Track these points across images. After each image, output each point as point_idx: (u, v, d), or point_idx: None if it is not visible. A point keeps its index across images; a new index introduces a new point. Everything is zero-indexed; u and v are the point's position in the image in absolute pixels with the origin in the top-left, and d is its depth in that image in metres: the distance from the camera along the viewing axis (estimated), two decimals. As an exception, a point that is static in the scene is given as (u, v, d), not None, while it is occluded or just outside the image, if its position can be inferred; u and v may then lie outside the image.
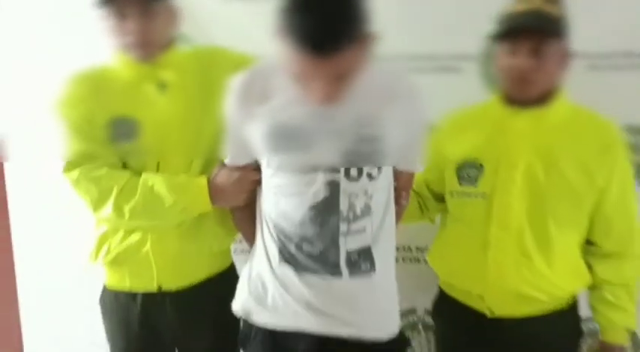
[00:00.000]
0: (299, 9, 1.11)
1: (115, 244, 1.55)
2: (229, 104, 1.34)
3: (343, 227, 1.30)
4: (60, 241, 2.19)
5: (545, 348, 1.54)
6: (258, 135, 1.30)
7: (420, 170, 1.46)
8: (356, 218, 1.30)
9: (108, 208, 1.47)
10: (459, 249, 1.57)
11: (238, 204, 1.48)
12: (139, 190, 1.46)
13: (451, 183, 1.55)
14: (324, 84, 1.17)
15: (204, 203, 1.48)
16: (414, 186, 1.59)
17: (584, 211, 1.48)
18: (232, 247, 1.72)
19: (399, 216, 1.46)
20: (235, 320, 1.54)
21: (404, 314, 1.47)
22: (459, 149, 1.52)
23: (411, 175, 1.47)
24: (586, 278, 1.55)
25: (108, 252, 1.56)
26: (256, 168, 1.39)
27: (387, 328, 1.39)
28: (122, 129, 1.49)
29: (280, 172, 1.32)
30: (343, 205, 1.29)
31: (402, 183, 1.45)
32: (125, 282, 1.59)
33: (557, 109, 1.46)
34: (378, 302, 1.38)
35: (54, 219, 2.18)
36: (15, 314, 2.35)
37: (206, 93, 1.47)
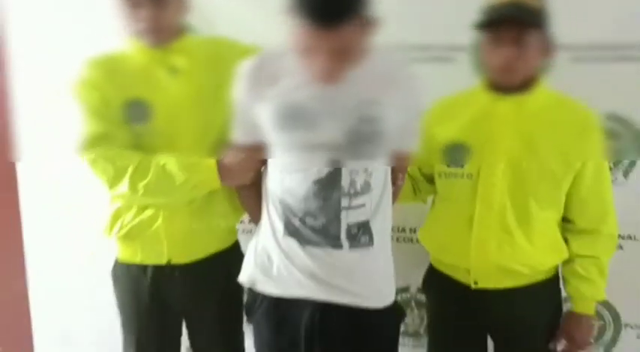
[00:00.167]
0: None
1: (129, 220, 1.60)
2: (239, 86, 1.41)
3: (344, 202, 1.37)
4: (69, 240, 2.24)
5: (527, 318, 1.60)
6: (267, 115, 1.37)
7: (415, 151, 1.50)
8: (356, 194, 1.37)
9: (123, 186, 1.52)
10: (446, 226, 1.63)
11: (245, 182, 1.53)
12: (152, 169, 1.50)
13: (440, 165, 1.60)
14: (327, 59, 1.24)
15: (213, 181, 1.52)
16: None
17: (561, 191, 1.54)
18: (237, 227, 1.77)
19: (395, 196, 1.51)
20: (239, 292, 1.62)
21: (397, 291, 1.52)
22: (446, 133, 1.56)
23: (406, 157, 1.51)
24: (564, 252, 1.60)
25: (121, 227, 1.61)
26: (262, 148, 1.45)
27: (383, 297, 1.46)
28: (136, 112, 1.53)
29: (286, 150, 1.38)
30: (345, 181, 1.36)
31: (398, 165, 1.50)
32: (137, 256, 1.64)
33: (538, 96, 1.51)
34: (376, 274, 1.45)
35: (64, 219, 2.23)
36: (25, 313, 2.39)
37: (215, 80, 1.50)
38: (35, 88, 2.14)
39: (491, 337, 1.66)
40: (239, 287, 1.61)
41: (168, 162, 1.51)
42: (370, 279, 1.44)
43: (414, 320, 2.13)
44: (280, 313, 1.47)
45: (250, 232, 1.60)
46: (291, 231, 1.41)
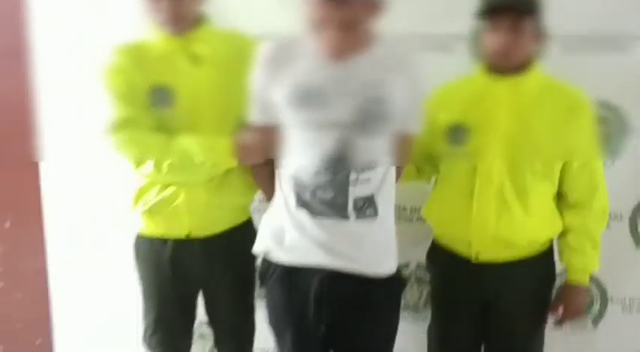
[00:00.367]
0: None
1: (152, 197, 1.65)
2: (256, 70, 1.47)
3: (352, 176, 1.42)
4: (89, 215, 2.27)
5: (523, 289, 1.67)
6: (282, 96, 1.43)
7: (418, 131, 1.54)
8: (363, 169, 1.43)
9: (149, 166, 1.60)
10: (448, 202, 1.68)
11: (259, 161, 1.59)
12: (175, 150, 1.57)
13: (442, 145, 1.65)
14: (337, 31, 1.32)
15: (229, 160, 1.59)
16: (412, 151, 1.70)
17: (555, 166, 1.59)
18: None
19: (398, 174, 1.57)
20: (251, 264, 1.69)
21: (399, 268, 1.62)
22: (448, 115, 1.61)
23: (410, 137, 1.55)
24: (559, 225, 1.66)
25: (145, 203, 1.67)
26: (275, 128, 1.50)
27: (386, 266, 1.51)
28: (160, 97, 1.59)
29: (299, 128, 1.44)
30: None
31: (402, 145, 1.53)
32: (159, 230, 1.69)
33: (532, 78, 1.57)
34: (379, 244, 1.50)
35: (87, 218, 2.26)
36: (44, 289, 2.41)
37: (232, 66, 1.56)
38: (58, 87, 2.18)
39: (490, 307, 1.70)
40: (252, 260, 1.68)
41: (189, 143, 1.58)
42: (374, 249, 1.50)
43: (414, 294, 2.17)
44: (292, 280, 1.52)
45: (261, 212, 1.65)
46: (302, 203, 1.46)
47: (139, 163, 1.62)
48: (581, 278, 1.68)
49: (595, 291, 2.08)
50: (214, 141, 1.59)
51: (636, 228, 2.04)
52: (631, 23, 1.88)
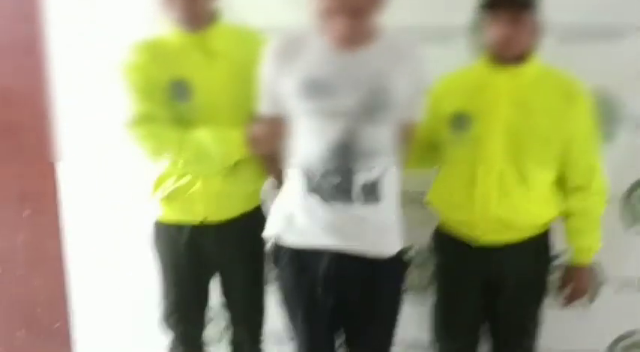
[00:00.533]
0: None
1: (170, 184, 1.68)
2: (266, 62, 1.49)
3: (358, 162, 1.46)
4: (105, 200, 2.28)
5: (523, 268, 1.69)
6: (291, 87, 1.45)
7: (420, 119, 1.57)
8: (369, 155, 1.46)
9: (166, 158, 1.62)
10: (452, 186, 1.70)
11: (269, 151, 1.62)
12: (190, 143, 1.60)
13: (445, 132, 1.67)
14: (346, 19, 1.33)
15: (241, 150, 1.62)
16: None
17: (555, 151, 1.61)
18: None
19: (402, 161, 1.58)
20: (263, 248, 1.70)
21: (402, 250, 1.64)
22: (451, 103, 1.63)
23: (412, 125, 1.58)
24: (556, 207, 1.68)
25: (164, 190, 1.69)
26: (284, 119, 1.52)
27: (390, 247, 1.55)
28: (179, 91, 1.61)
29: (308, 117, 1.46)
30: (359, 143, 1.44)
31: (405, 133, 1.56)
32: (175, 216, 1.72)
33: (531, 67, 1.59)
34: (384, 226, 1.53)
35: (105, 219, 2.28)
36: (61, 273, 2.42)
37: (245, 60, 1.57)
38: (74, 82, 2.18)
39: (492, 287, 1.73)
40: (262, 243, 1.70)
41: (203, 135, 1.60)
42: (380, 231, 1.52)
43: (417, 276, 2.15)
44: (302, 261, 1.56)
45: (269, 198, 1.70)
46: (311, 189, 1.49)
47: (156, 156, 1.65)
48: (586, 258, 1.72)
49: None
50: (226, 133, 1.61)
51: (627, 212, 2.06)
52: (624, 13, 1.88)
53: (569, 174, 1.66)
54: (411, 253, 2.15)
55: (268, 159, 1.69)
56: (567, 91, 1.60)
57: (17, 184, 2.41)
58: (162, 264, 1.80)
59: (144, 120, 1.61)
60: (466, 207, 1.65)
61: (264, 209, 1.80)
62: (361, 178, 1.46)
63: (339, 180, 1.46)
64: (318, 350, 1.67)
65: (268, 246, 1.66)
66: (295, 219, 1.54)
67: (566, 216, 1.71)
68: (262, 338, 1.93)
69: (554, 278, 1.82)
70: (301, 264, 1.56)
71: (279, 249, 1.60)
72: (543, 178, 1.65)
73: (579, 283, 1.76)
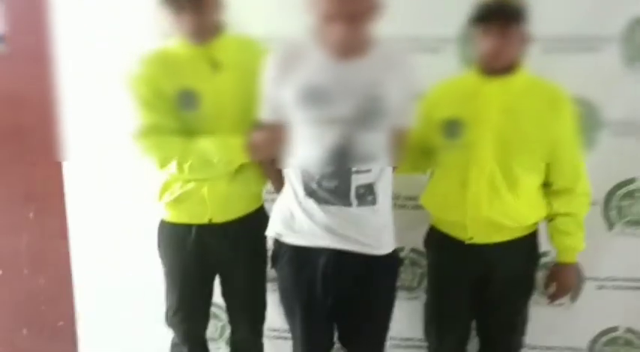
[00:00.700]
0: None
1: (177, 189, 1.70)
2: (267, 72, 1.51)
3: (354, 167, 1.48)
4: (116, 240, 2.27)
5: (512, 267, 1.72)
6: (291, 95, 1.47)
7: (411, 126, 1.59)
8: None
9: (172, 167, 1.64)
10: (445, 189, 1.71)
11: (269, 157, 1.64)
12: (193, 150, 1.62)
13: (438, 138, 1.68)
14: (343, 25, 1.36)
15: (242, 157, 1.64)
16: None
17: (541, 156, 1.64)
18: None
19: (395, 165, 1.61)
20: (264, 247, 1.75)
21: (395, 249, 1.66)
22: (444, 111, 1.65)
23: (404, 131, 1.60)
24: (544, 209, 1.70)
25: (171, 194, 1.71)
26: (284, 126, 1.55)
27: (384, 246, 1.58)
28: (186, 100, 1.62)
29: (306, 124, 1.48)
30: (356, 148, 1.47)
31: (397, 138, 1.58)
32: (183, 217, 1.74)
33: (520, 78, 1.61)
34: (379, 227, 1.56)
35: (109, 219, 2.26)
36: (67, 274, 2.39)
37: (251, 72, 1.57)
38: (80, 85, 2.17)
39: (482, 284, 1.75)
40: (264, 242, 1.74)
41: (206, 144, 1.62)
42: (374, 231, 1.56)
43: (408, 276, 2.21)
44: (301, 259, 1.58)
45: (272, 201, 1.72)
46: (309, 192, 1.52)
47: (162, 166, 1.67)
48: (570, 257, 1.75)
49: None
50: (228, 140, 1.63)
51: (608, 213, 2.09)
52: (602, 25, 1.92)
53: (554, 177, 1.69)
54: (403, 254, 2.20)
55: (268, 164, 1.70)
56: (553, 100, 1.63)
57: (23, 185, 2.40)
58: (169, 263, 1.81)
59: (150, 131, 1.63)
60: (459, 209, 1.67)
61: (265, 209, 1.82)
62: (357, 181, 1.49)
63: (336, 184, 1.49)
64: (317, 346, 1.69)
65: (269, 244, 1.70)
66: (295, 219, 1.56)
67: (551, 217, 1.73)
68: (262, 334, 1.95)
69: (539, 276, 1.85)
70: (300, 263, 1.59)
71: (279, 248, 1.63)
72: (531, 181, 1.67)
73: (563, 281, 1.79)
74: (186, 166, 1.63)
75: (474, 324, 1.88)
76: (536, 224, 1.75)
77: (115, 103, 1.90)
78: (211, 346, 2.08)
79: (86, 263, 2.39)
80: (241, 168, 1.70)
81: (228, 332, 2.24)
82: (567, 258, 1.75)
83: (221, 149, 1.63)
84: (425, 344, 1.98)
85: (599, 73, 1.94)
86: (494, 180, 1.63)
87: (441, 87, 1.70)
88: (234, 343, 1.95)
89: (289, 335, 2.00)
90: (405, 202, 2.10)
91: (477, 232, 1.68)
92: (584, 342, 2.22)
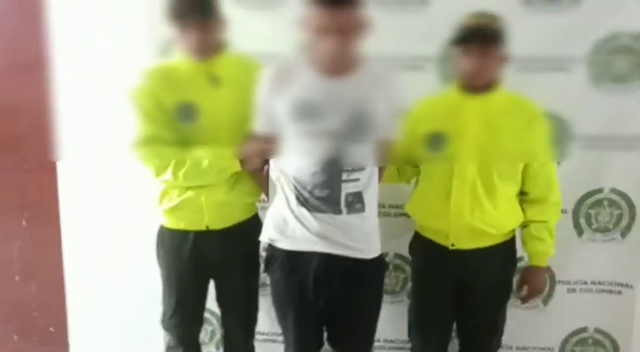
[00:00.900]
0: None
1: (174, 197, 1.74)
2: (261, 87, 1.57)
3: (344, 177, 1.54)
4: (109, 247, 2.27)
5: (492, 271, 1.77)
6: (284, 109, 1.53)
7: (395, 138, 1.63)
8: (353, 170, 1.55)
9: (167, 174, 1.68)
10: (429, 198, 1.76)
11: (258, 167, 1.69)
12: (188, 160, 1.66)
13: (423, 151, 1.71)
14: (335, 39, 1.42)
15: (234, 166, 1.69)
16: (395, 156, 1.78)
17: (518, 168, 1.71)
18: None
19: (380, 175, 1.69)
20: (257, 252, 1.79)
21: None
22: (428, 125, 1.70)
23: (389, 143, 1.63)
24: (521, 217, 1.77)
25: (170, 201, 1.74)
26: (276, 138, 1.59)
27: (372, 251, 1.64)
28: (185, 113, 1.66)
29: (299, 137, 1.54)
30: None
31: (383, 149, 1.63)
32: (181, 224, 1.77)
33: (498, 95, 1.67)
34: (366, 233, 1.62)
35: (103, 227, 2.26)
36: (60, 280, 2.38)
37: (247, 89, 1.61)
38: (75, 91, 2.16)
39: (463, 288, 1.79)
40: (258, 248, 1.79)
41: (200, 153, 1.66)
42: (363, 236, 1.61)
43: (392, 280, 2.24)
44: (294, 263, 1.63)
45: (264, 209, 1.76)
46: (302, 201, 1.57)
47: (158, 173, 1.71)
48: (542, 261, 1.80)
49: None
50: (221, 150, 1.68)
51: (578, 221, 2.17)
52: (570, 46, 2.00)
53: (529, 187, 1.75)
54: (387, 259, 2.25)
55: (259, 173, 1.75)
56: (529, 115, 1.69)
57: (16, 193, 2.39)
58: (166, 267, 1.84)
59: (148, 141, 1.67)
60: (442, 217, 1.72)
61: (259, 217, 1.86)
62: (347, 190, 1.55)
63: (327, 193, 1.55)
64: (308, 346, 1.73)
65: (263, 250, 1.74)
66: (288, 226, 1.61)
67: (525, 224, 1.80)
68: (254, 336, 1.98)
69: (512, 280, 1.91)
70: (293, 267, 1.63)
71: (272, 253, 1.67)
72: (508, 191, 1.74)
73: (535, 284, 1.84)
74: (180, 173, 1.67)
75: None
76: (513, 231, 1.81)
77: (110, 111, 1.95)
78: (202, 349, 2.08)
79: (79, 270, 2.38)
80: (238, 179, 1.74)
81: (218, 336, 2.29)
82: (539, 262, 1.80)
83: (214, 157, 1.66)
84: (408, 345, 2.02)
85: (568, 91, 2.02)
86: (475, 190, 1.69)
87: (425, 103, 1.76)
88: (227, 345, 1.98)
89: (277, 338, 2.06)
90: (389, 210, 2.15)
91: (459, 239, 1.74)
92: (556, 342, 2.29)
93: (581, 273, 2.20)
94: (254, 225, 1.79)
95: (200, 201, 1.72)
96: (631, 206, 2.14)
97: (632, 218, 2.14)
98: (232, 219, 1.79)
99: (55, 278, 2.40)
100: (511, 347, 2.25)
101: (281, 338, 2.03)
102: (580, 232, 2.18)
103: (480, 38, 1.59)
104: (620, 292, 2.20)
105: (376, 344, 2.05)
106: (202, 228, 1.76)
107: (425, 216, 1.82)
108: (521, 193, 1.78)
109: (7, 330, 2.52)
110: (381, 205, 2.11)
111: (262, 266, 1.76)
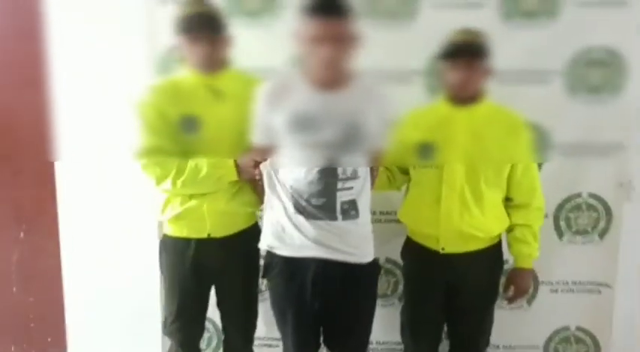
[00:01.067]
0: None
1: (177, 205, 1.77)
2: (259, 101, 1.62)
3: (339, 185, 1.59)
4: (108, 254, 2.28)
5: (480, 274, 1.82)
6: (281, 122, 1.58)
7: (386, 149, 1.67)
8: (347, 179, 1.59)
9: (167, 183, 1.71)
10: (420, 205, 1.81)
11: (254, 177, 1.73)
12: (187, 169, 1.70)
13: (413, 159, 1.76)
14: (330, 45, 1.47)
15: (232, 175, 1.72)
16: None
17: (503, 175, 1.77)
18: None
19: (372, 183, 1.72)
20: (257, 260, 1.82)
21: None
22: (418, 135, 1.75)
23: (380, 152, 1.68)
24: (507, 222, 1.83)
25: (173, 209, 1.78)
26: (273, 149, 1.64)
27: (366, 255, 1.68)
28: (188, 125, 1.70)
29: (295, 148, 1.59)
30: (340, 169, 1.58)
31: (374, 159, 1.70)
32: (183, 232, 1.80)
33: (484, 106, 1.73)
34: (361, 238, 1.67)
35: (102, 230, 2.27)
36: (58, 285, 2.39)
37: (248, 103, 1.65)
38: (75, 101, 2.17)
39: (453, 290, 1.83)
40: (257, 255, 1.82)
41: (199, 162, 1.70)
42: (357, 242, 1.65)
43: (383, 284, 2.27)
44: (292, 269, 1.66)
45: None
46: (299, 209, 1.61)
47: (159, 182, 1.74)
48: (527, 263, 1.86)
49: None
50: (220, 160, 1.72)
51: (559, 224, 2.24)
52: (548, 60, 2.07)
53: (514, 193, 1.81)
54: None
55: (255, 183, 1.78)
56: (512, 125, 1.75)
57: (14, 205, 2.40)
58: (169, 273, 1.87)
59: (151, 151, 1.71)
60: (433, 222, 1.78)
61: (259, 225, 1.87)
62: (342, 198, 1.60)
63: (323, 201, 1.59)
64: (306, 347, 1.76)
65: (262, 257, 1.77)
66: (286, 233, 1.65)
67: (510, 228, 1.85)
68: (253, 341, 2.01)
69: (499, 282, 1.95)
70: (291, 272, 1.67)
71: (271, 259, 1.71)
72: (495, 197, 1.79)
73: (521, 285, 1.89)
74: (179, 182, 1.70)
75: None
76: (500, 235, 1.87)
77: (108, 121, 2.00)
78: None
79: (77, 280, 2.39)
80: (239, 190, 1.79)
81: (215, 342, 2.32)
82: (524, 263, 1.85)
83: (212, 167, 1.70)
84: (399, 347, 2.07)
85: (547, 102, 2.08)
86: (464, 197, 1.74)
87: (415, 114, 1.81)
88: (227, 348, 2.00)
89: (273, 342, 2.09)
90: (379, 217, 2.19)
91: (449, 243, 1.79)
92: (540, 341, 2.34)
93: (562, 274, 2.25)
94: (254, 232, 1.82)
95: (202, 209, 1.76)
96: (608, 209, 2.22)
97: (609, 220, 2.21)
98: (233, 227, 1.82)
99: (52, 289, 2.41)
100: (498, 346, 2.30)
101: (276, 342, 2.09)
102: (561, 235, 2.25)
103: (466, 53, 1.66)
104: (599, 291, 2.27)
105: (369, 345, 2.09)
106: (204, 235, 1.79)
107: (416, 222, 1.87)
108: (507, 199, 1.84)
109: (4, 341, 2.52)
110: (371, 212, 2.14)
111: (261, 273, 1.80)
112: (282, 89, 1.61)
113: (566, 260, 2.24)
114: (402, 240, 1.99)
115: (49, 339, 2.51)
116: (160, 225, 1.94)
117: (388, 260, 2.26)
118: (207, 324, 2.21)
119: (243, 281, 1.89)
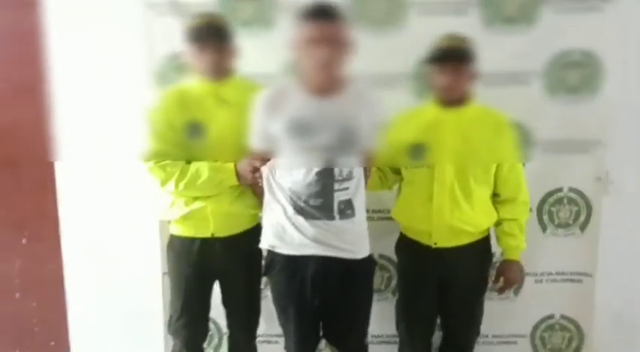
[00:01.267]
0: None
1: (182, 206, 1.81)
2: (257, 108, 1.66)
3: (336, 186, 1.63)
4: (110, 258, 2.29)
5: (470, 267, 1.88)
6: (279, 128, 1.62)
7: (378, 150, 1.72)
8: (344, 180, 1.64)
9: (171, 185, 1.76)
10: (413, 202, 1.85)
11: (253, 182, 1.77)
12: (189, 172, 1.75)
13: (405, 159, 1.80)
14: (326, 47, 1.52)
15: (232, 179, 1.77)
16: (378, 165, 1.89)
17: (491, 172, 1.82)
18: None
19: (365, 183, 1.77)
20: (259, 260, 1.85)
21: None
22: (409, 136, 1.79)
23: (372, 153, 1.73)
24: (495, 216, 1.88)
25: (178, 211, 1.82)
26: (271, 154, 1.69)
27: (362, 251, 1.73)
28: (194, 130, 1.75)
29: (293, 152, 1.63)
30: (336, 171, 1.63)
31: (367, 160, 1.75)
32: (189, 232, 1.84)
33: (471, 108, 1.78)
34: (357, 235, 1.71)
35: (104, 234, 2.28)
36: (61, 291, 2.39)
37: (248, 108, 1.68)
38: (75, 106, 2.17)
39: (445, 283, 1.87)
40: (260, 254, 1.85)
41: (201, 166, 1.75)
42: (354, 239, 1.70)
43: (377, 279, 2.28)
44: (293, 267, 1.70)
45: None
46: (298, 209, 1.66)
47: (163, 184, 1.79)
48: (515, 255, 1.91)
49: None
50: (220, 165, 1.77)
51: (542, 218, 2.29)
52: (528, 63, 2.13)
53: (501, 189, 1.86)
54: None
55: (255, 186, 1.82)
56: (498, 125, 1.80)
57: (16, 211, 2.39)
58: (174, 272, 1.90)
59: (157, 155, 1.75)
60: (425, 219, 1.82)
61: (262, 226, 1.90)
62: (338, 198, 1.65)
63: (321, 201, 1.64)
64: (307, 340, 1.80)
65: (263, 255, 1.81)
66: (286, 233, 1.69)
67: (498, 222, 1.91)
68: (256, 337, 2.04)
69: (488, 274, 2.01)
70: (292, 270, 1.71)
71: (272, 258, 1.75)
72: (483, 193, 1.85)
73: (509, 276, 1.94)
74: (181, 184, 1.75)
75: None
76: (488, 229, 1.92)
77: (108, 128, 2.02)
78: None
79: (79, 285, 2.39)
80: (241, 193, 1.83)
81: (215, 340, 2.34)
82: (512, 255, 1.90)
83: (213, 170, 1.75)
84: (393, 339, 2.12)
85: (528, 102, 2.12)
86: (454, 194, 1.79)
87: (406, 117, 1.85)
88: (231, 345, 2.03)
89: (272, 339, 2.12)
90: (372, 215, 2.21)
91: (441, 237, 1.84)
92: (527, 329, 2.40)
93: (546, 265, 2.30)
94: (257, 232, 1.85)
95: (206, 211, 1.80)
96: (587, 203, 2.27)
97: (589, 214, 2.26)
98: (236, 227, 1.86)
99: (55, 294, 2.41)
100: (487, 336, 2.34)
101: (275, 339, 2.13)
102: (544, 228, 2.30)
103: (453, 57, 1.71)
104: (581, 281, 2.32)
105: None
106: (208, 235, 1.83)
107: (409, 219, 1.92)
108: (494, 195, 1.89)
109: (9, 346, 2.50)
110: (366, 210, 2.23)
111: (262, 271, 1.84)
112: (279, 97, 1.65)
113: (549, 252, 2.28)
114: (393, 237, 2.04)
115: (53, 343, 2.50)
116: (162, 228, 1.97)
117: (381, 256, 2.29)
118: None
119: (246, 280, 1.92)
